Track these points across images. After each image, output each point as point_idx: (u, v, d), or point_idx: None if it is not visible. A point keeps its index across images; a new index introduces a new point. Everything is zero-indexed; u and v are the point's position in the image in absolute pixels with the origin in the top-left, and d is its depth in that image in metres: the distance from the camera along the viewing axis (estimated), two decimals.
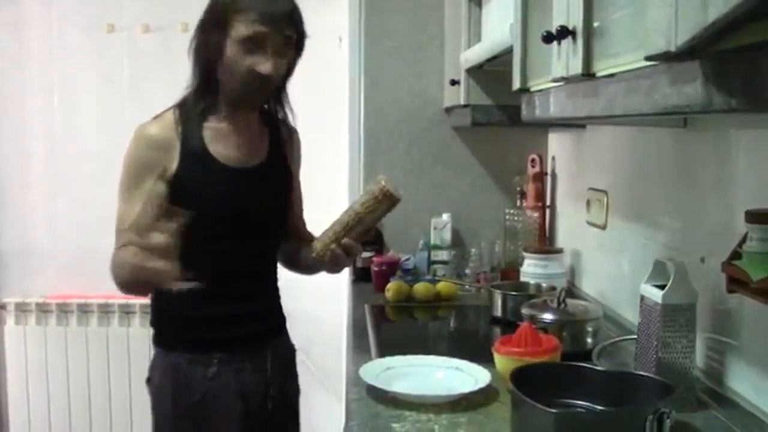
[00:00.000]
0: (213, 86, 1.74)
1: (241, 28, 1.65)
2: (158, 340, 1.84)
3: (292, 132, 1.96)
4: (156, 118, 1.78)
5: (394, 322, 2.48)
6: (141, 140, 1.73)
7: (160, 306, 1.83)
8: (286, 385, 1.97)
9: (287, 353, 2.01)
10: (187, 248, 1.53)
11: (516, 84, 1.72)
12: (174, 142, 1.72)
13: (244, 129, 1.82)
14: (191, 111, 1.75)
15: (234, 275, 1.79)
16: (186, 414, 1.76)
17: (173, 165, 1.70)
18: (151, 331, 1.87)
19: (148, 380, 1.86)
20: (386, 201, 1.78)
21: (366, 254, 2.78)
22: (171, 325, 1.81)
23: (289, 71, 1.79)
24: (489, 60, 2.27)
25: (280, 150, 1.90)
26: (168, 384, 1.77)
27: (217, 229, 1.72)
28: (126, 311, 3.53)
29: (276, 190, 1.89)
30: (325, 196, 3.33)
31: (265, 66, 1.66)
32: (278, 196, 1.90)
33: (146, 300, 3.47)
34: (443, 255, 2.89)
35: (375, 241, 2.83)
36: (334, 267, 1.85)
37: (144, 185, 1.69)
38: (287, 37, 1.70)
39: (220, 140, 1.76)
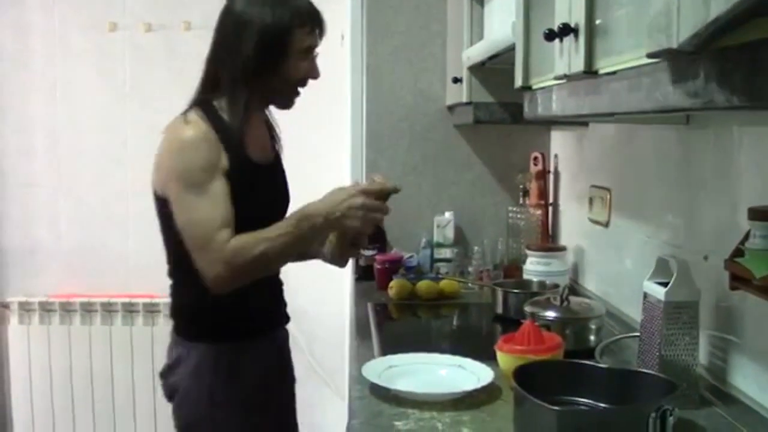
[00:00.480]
0: (245, 92, 1.78)
1: (304, 40, 1.78)
2: (191, 333, 1.86)
3: (278, 130, 2.02)
4: (186, 122, 1.76)
5: (396, 320, 2.48)
6: (195, 139, 1.72)
7: (196, 300, 1.82)
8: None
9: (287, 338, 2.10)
10: None
11: (518, 82, 1.72)
12: (217, 142, 1.74)
13: (260, 129, 1.91)
14: (231, 113, 1.77)
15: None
16: (228, 400, 1.82)
17: (225, 162, 1.73)
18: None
19: (166, 374, 1.90)
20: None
21: (369, 252, 2.78)
22: (209, 316, 1.84)
23: None
24: (491, 58, 2.27)
25: (277, 150, 1.99)
26: (207, 373, 1.81)
27: (257, 222, 1.74)
28: (129, 310, 3.54)
29: (286, 183, 1.99)
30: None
31: (316, 72, 1.83)
32: (287, 188, 2.00)
33: (149, 299, 3.50)
34: (446, 253, 2.90)
35: (378, 239, 2.83)
36: (341, 259, 1.98)
37: (214, 183, 1.70)
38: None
39: (248, 140, 1.80)
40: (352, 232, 1.84)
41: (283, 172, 1.98)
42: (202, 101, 1.82)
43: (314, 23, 1.80)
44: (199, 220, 1.69)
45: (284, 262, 1.87)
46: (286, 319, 2.04)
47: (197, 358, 1.82)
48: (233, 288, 1.70)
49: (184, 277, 1.83)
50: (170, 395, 1.91)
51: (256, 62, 1.76)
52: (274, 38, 1.76)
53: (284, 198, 1.97)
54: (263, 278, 1.80)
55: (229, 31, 1.83)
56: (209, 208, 1.68)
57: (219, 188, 1.70)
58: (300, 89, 1.85)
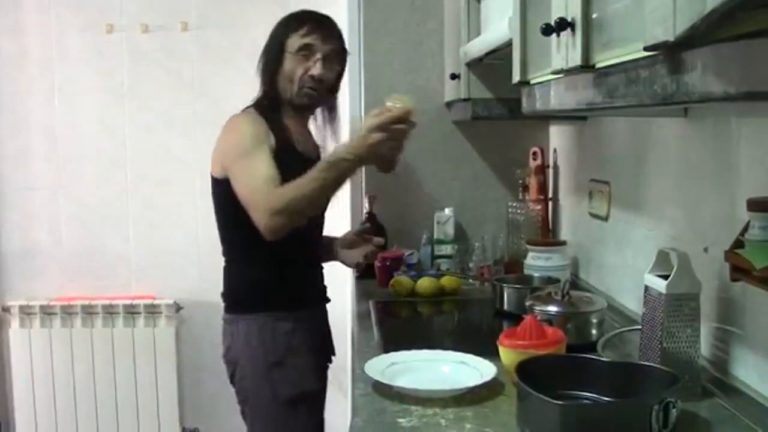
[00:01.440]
0: (278, 94, 2.11)
1: (295, 41, 2.07)
2: (240, 308, 2.11)
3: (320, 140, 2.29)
4: (241, 114, 2.10)
5: (398, 317, 2.48)
6: (247, 120, 2.04)
7: (246, 278, 2.13)
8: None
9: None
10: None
11: (516, 77, 1.72)
12: (266, 126, 2.04)
13: (304, 128, 2.21)
14: (267, 111, 2.08)
15: (312, 244, 2.22)
16: (280, 360, 2.06)
17: (272, 141, 2.02)
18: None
19: (226, 353, 2.13)
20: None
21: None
22: (255, 292, 2.11)
23: (337, 81, 2.22)
24: (489, 53, 2.27)
25: (319, 149, 2.26)
26: (255, 339, 2.06)
27: None
28: (130, 312, 3.54)
29: None
30: None
31: (318, 70, 2.07)
32: None
33: (150, 300, 3.50)
34: (447, 249, 2.90)
35: (378, 235, 2.83)
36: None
37: (263, 148, 1.97)
38: (332, 49, 2.12)
39: (292, 133, 2.11)
40: (383, 162, 1.96)
41: None
42: (257, 104, 2.13)
43: (310, 25, 2.08)
44: (251, 179, 1.93)
45: (321, 204, 2.04)
46: (326, 299, 2.33)
47: (246, 329, 2.08)
48: (284, 231, 1.89)
49: (236, 259, 2.13)
50: (233, 371, 2.13)
51: (264, 69, 2.11)
52: (272, 48, 2.11)
53: None
54: (302, 261, 2.14)
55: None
56: (258, 167, 1.93)
57: (266, 154, 1.95)
58: (308, 89, 2.10)
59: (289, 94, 2.11)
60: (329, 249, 2.35)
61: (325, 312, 2.32)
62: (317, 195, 1.89)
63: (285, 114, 2.13)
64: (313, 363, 2.17)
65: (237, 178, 1.97)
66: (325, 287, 2.33)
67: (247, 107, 2.14)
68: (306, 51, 2.08)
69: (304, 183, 1.86)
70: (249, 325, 2.08)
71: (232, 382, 2.15)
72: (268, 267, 2.09)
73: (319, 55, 2.09)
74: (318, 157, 2.15)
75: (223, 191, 2.03)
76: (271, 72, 2.11)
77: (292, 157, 2.03)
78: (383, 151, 1.86)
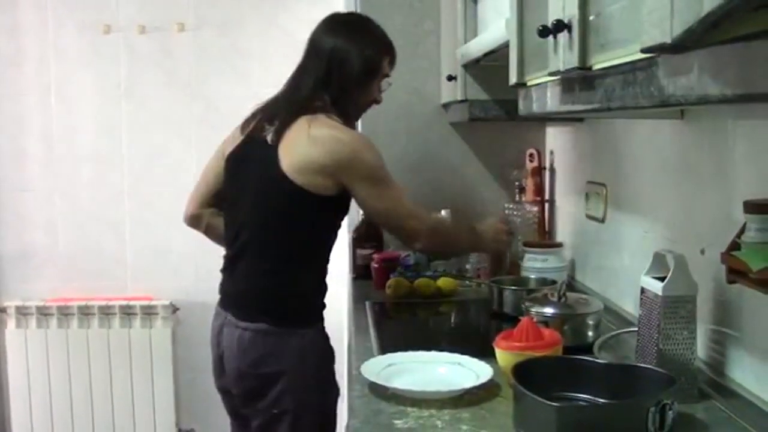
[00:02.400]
0: (351, 105, 2.11)
1: (386, 67, 2.13)
2: (294, 321, 2.01)
3: None
4: (339, 125, 2.01)
5: (394, 318, 2.48)
6: (373, 144, 2.04)
7: (298, 290, 2.03)
8: None
9: None
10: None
11: (513, 78, 1.72)
12: None
13: None
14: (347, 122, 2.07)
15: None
16: (328, 375, 2.08)
17: None
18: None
19: (261, 364, 2.00)
20: None
21: (366, 251, 2.79)
22: (315, 304, 2.08)
23: None
24: (485, 55, 2.27)
25: None
26: (310, 354, 2.02)
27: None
28: (127, 313, 3.53)
29: None
30: None
31: (381, 96, 2.17)
32: None
33: (146, 301, 3.50)
34: None
35: (375, 237, 2.83)
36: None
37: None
38: None
39: None
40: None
41: None
42: (315, 107, 2.00)
43: (393, 54, 2.16)
44: (402, 202, 2.05)
45: (458, 253, 2.58)
46: None
47: (299, 344, 1.99)
48: (425, 249, 2.27)
49: (296, 270, 2.02)
50: (262, 385, 1.99)
51: (356, 83, 2.06)
52: (370, 69, 2.08)
53: None
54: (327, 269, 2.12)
55: (333, 57, 2.04)
56: (405, 194, 2.07)
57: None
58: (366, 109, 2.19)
59: (354, 109, 2.13)
60: None
61: None
62: (461, 244, 2.34)
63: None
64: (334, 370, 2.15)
65: (383, 198, 2.02)
66: None
67: (312, 110, 2.00)
68: (387, 77, 2.15)
69: (456, 228, 2.39)
70: (303, 340, 2.00)
71: (257, 394, 2.01)
72: (318, 278, 2.07)
73: (388, 83, 2.18)
74: None
75: (304, 199, 1.92)
76: (363, 90, 2.10)
77: None
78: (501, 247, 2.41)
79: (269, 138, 1.96)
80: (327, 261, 2.08)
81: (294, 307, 2.02)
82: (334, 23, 2.12)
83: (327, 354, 2.08)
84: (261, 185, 1.98)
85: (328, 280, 2.10)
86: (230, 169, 2.08)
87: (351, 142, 1.96)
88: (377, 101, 2.17)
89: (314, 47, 2.08)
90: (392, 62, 2.16)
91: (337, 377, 2.13)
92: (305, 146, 1.91)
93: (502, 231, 2.33)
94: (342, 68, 2.03)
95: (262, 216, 1.99)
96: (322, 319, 2.08)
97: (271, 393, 1.98)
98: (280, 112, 2.00)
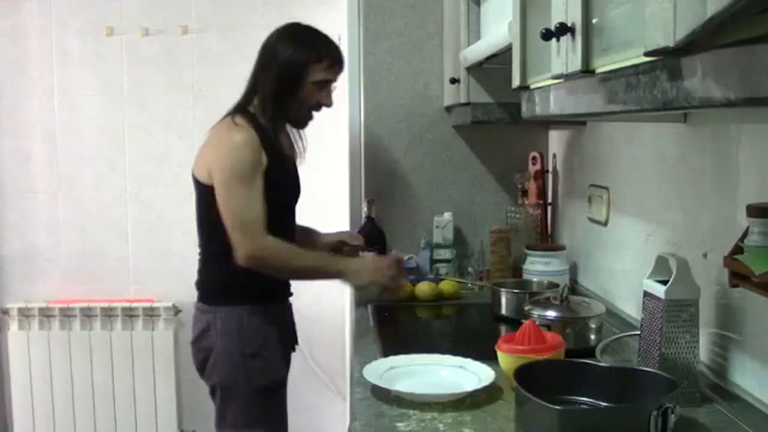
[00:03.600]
0: (282, 111, 2.19)
1: (318, 74, 2.16)
2: (218, 301, 2.20)
3: (303, 138, 2.38)
4: (234, 126, 2.12)
5: (397, 321, 2.48)
6: (243, 144, 2.10)
7: (223, 274, 2.20)
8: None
9: None
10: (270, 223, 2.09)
11: (516, 81, 1.72)
12: (260, 145, 2.12)
13: (284, 136, 2.28)
14: (264, 119, 2.16)
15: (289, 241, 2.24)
16: (255, 352, 2.17)
17: (265, 162, 2.12)
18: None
19: (198, 340, 2.23)
20: None
21: (368, 254, 2.79)
22: (232, 287, 2.19)
23: None
24: (488, 58, 2.27)
25: (295, 151, 2.37)
26: (234, 331, 2.17)
27: (285, 208, 2.26)
28: (129, 314, 3.53)
29: (299, 179, 2.38)
30: (327, 195, 3.34)
31: (329, 100, 2.23)
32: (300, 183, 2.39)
33: (149, 303, 3.50)
34: (445, 253, 2.90)
35: (377, 241, 2.83)
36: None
37: (257, 181, 2.09)
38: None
39: (282, 144, 2.22)
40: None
41: (297, 167, 2.37)
42: (242, 107, 2.19)
43: (332, 60, 2.19)
44: (247, 208, 2.07)
45: (296, 279, 2.30)
46: (290, 293, 2.37)
47: (223, 320, 2.17)
48: (253, 268, 2.09)
49: (215, 254, 2.20)
50: (203, 358, 2.22)
51: (277, 88, 2.14)
52: (290, 72, 2.14)
53: (299, 190, 2.36)
54: None
55: (263, 58, 2.20)
56: (255, 200, 2.08)
57: (260, 185, 2.09)
58: (314, 113, 2.24)
59: (293, 115, 2.22)
60: (313, 244, 2.44)
61: (290, 305, 2.39)
62: (297, 272, 2.19)
63: (279, 121, 2.21)
64: (282, 353, 2.29)
65: (228, 200, 2.09)
66: (289, 283, 2.37)
67: (239, 111, 2.17)
68: (324, 84, 2.19)
69: (298, 256, 2.14)
70: (226, 317, 2.18)
71: (201, 367, 2.24)
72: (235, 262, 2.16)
73: (333, 86, 2.23)
74: (293, 155, 2.33)
75: (207, 194, 2.13)
76: (286, 93, 2.16)
77: (281, 166, 2.18)
78: (372, 289, 2.29)
79: None
80: None
81: (215, 287, 2.23)
82: (283, 29, 2.22)
83: (256, 334, 2.18)
84: None
85: None
86: None
87: (221, 142, 2.13)
88: (322, 104, 2.21)
89: (263, 47, 2.23)
90: (328, 68, 2.18)
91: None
92: (203, 145, 2.20)
93: (387, 268, 2.24)
94: (267, 70, 2.17)
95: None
96: (248, 301, 2.18)
97: (207, 366, 2.21)
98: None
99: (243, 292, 2.18)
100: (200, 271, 2.28)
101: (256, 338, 2.18)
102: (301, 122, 2.27)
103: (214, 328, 2.18)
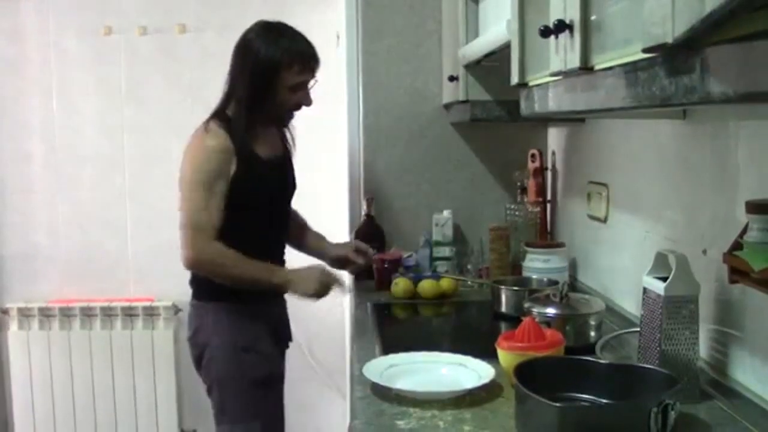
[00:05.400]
0: (257, 110, 2.15)
1: (292, 78, 2.13)
2: (211, 297, 2.22)
3: (292, 132, 2.38)
4: (206, 131, 2.14)
5: (396, 319, 2.48)
6: (210, 150, 2.11)
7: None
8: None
9: None
10: (245, 225, 2.14)
11: (514, 79, 1.72)
12: (232, 149, 2.11)
13: (268, 132, 2.28)
14: (237, 124, 2.14)
15: (274, 242, 2.33)
16: (248, 346, 2.20)
17: (233, 168, 2.12)
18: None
19: (194, 336, 2.25)
20: None
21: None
22: (211, 281, 2.17)
23: None
24: (487, 55, 2.27)
25: (287, 146, 2.37)
26: (227, 326, 2.19)
27: (265, 208, 2.24)
28: (129, 314, 3.53)
29: (291, 175, 2.37)
30: (326, 194, 3.34)
31: (308, 100, 2.20)
32: (293, 180, 2.38)
33: (148, 302, 3.50)
34: (445, 251, 2.90)
35: (376, 238, 2.83)
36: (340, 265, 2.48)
37: (217, 188, 2.10)
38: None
39: (258, 143, 2.20)
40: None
41: (290, 164, 2.37)
42: (219, 111, 2.19)
43: (304, 63, 2.15)
44: (199, 212, 2.09)
45: (240, 285, 2.18)
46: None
47: (215, 315, 2.21)
48: (195, 270, 2.19)
49: None
50: (199, 354, 2.24)
51: (251, 89, 2.13)
52: (262, 75, 2.12)
53: (290, 186, 2.36)
54: (264, 257, 2.19)
55: (236, 63, 2.19)
56: (210, 205, 2.09)
57: (221, 191, 2.10)
58: (294, 112, 2.23)
59: (272, 115, 2.22)
60: (319, 253, 2.49)
61: (284, 301, 2.40)
62: (240, 280, 2.15)
63: (255, 121, 2.18)
64: (276, 348, 2.32)
65: (184, 200, 2.14)
66: None
67: (215, 116, 2.18)
68: (300, 87, 2.17)
69: (241, 265, 2.12)
70: (218, 312, 2.21)
71: (198, 363, 2.26)
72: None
73: (311, 85, 2.20)
74: (284, 153, 2.34)
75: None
76: (261, 98, 2.14)
77: (254, 166, 2.16)
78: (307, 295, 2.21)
79: None
80: (238, 243, 2.11)
81: (205, 284, 2.21)
82: (251, 32, 2.20)
83: (247, 329, 2.21)
84: None
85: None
86: None
87: (192, 146, 2.15)
88: (302, 104, 2.20)
89: (234, 47, 2.21)
90: (301, 72, 2.14)
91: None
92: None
93: (325, 277, 2.24)
94: (241, 75, 2.16)
95: None
96: (238, 295, 2.17)
97: (203, 362, 2.23)
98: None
99: (232, 288, 2.17)
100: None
101: (247, 332, 2.21)
102: (282, 122, 2.29)
103: (206, 323, 2.22)
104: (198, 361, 2.26)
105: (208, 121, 2.17)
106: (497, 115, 2.56)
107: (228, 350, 2.19)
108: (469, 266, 2.83)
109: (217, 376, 2.21)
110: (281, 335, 2.39)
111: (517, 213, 2.84)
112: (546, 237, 2.85)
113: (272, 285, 2.20)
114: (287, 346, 2.44)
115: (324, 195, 3.30)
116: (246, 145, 2.15)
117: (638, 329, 1.64)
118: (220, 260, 2.12)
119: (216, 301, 2.22)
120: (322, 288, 2.20)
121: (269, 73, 2.12)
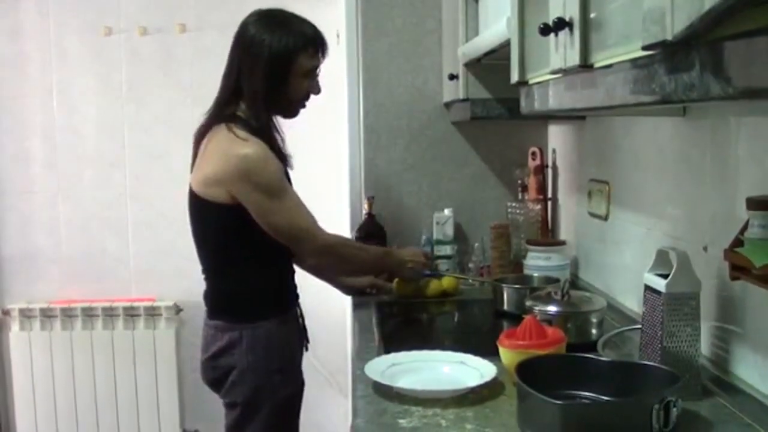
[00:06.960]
0: (273, 105, 2.08)
1: (306, 63, 2.05)
2: (244, 318, 2.09)
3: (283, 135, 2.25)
4: (241, 139, 1.98)
5: (398, 318, 2.48)
6: (268, 156, 2.00)
7: (244, 289, 2.12)
8: None
9: None
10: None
11: (514, 77, 1.72)
12: (270, 150, 2.03)
13: (276, 126, 2.17)
14: (260, 124, 2.05)
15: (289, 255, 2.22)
16: (280, 367, 2.11)
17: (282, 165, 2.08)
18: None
19: (217, 357, 2.11)
20: None
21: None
22: (254, 301, 2.11)
23: None
24: (487, 54, 2.27)
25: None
26: (260, 348, 2.08)
27: None
28: (131, 314, 3.53)
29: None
30: (326, 193, 3.34)
31: (318, 88, 2.11)
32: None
33: (150, 303, 3.50)
34: (446, 249, 2.90)
35: (378, 237, 2.83)
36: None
37: (289, 189, 2.07)
38: None
39: (276, 139, 2.12)
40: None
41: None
42: (231, 115, 2.06)
43: (317, 46, 2.07)
44: (294, 219, 2.06)
45: (351, 269, 2.40)
46: (298, 294, 2.29)
47: (250, 337, 2.07)
48: (318, 266, 2.32)
49: (228, 270, 2.12)
50: (221, 375, 2.11)
51: (267, 83, 2.02)
52: (280, 63, 2.02)
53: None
54: (287, 266, 2.18)
55: (245, 54, 2.05)
56: (297, 207, 2.07)
57: (291, 188, 2.08)
58: (303, 105, 2.13)
59: (283, 110, 2.12)
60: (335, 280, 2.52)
61: (300, 308, 2.33)
62: (361, 260, 2.31)
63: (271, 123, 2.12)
64: (300, 359, 2.25)
65: (275, 215, 2.03)
66: (296, 284, 2.32)
67: (231, 120, 2.04)
68: (312, 73, 2.08)
69: (358, 245, 2.44)
70: (253, 333, 2.08)
71: (216, 383, 2.15)
72: (267, 274, 2.13)
73: (319, 72, 2.11)
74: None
75: (214, 211, 2.03)
76: (276, 90, 2.04)
77: (286, 171, 2.12)
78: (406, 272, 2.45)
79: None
80: (270, 260, 2.10)
81: (239, 305, 2.11)
82: (257, 22, 2.07)
83: (282, 348, 2.12)
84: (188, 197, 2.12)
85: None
86: None
87: (240, 156, 1.97)
88: (312, 92, 2.11)
89: (234, 42, 2.10)
90: (313, 55, 2.06)
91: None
92: (204, 161, 2.05)
93: (419, 255, 2.47)
94: (252, 69, 2.03)
95: (191, 227, 2.14)
96: (274, 313, 2.12)
97: (225, 384, 2.11)
98: (201, 125, 2.12)
99: (265, 307, 2.11)
100: (214, 288, 2.16)
101: (283, 352, 2.13)
102: (295, 114, 2.16)
103: (239, 346, 2.08)
104: (217, 382, 2.14)
105: (229, 127, 2.01)
106: (497, 114, 2.56)
107: (260, 372, 2.08)
108: (470, 264, 2.83)
109: (245, 398, 2.10)
110: (302, 343, 2.30)
111: (518, 211, 2.84)
112: (547, 235, 2.85)
113: (385, 264, 2.38)
114: (306, 349, 2.35)
115: (325, 194, 3.30)
116: (273, 147, 2.06)
117: (640, 326, 1.64)
118: (343, 240, 2.27)
119: (252, 321, 2.09)
120: (419, 268, 2.43)
121: (284, 62, 2.02)
